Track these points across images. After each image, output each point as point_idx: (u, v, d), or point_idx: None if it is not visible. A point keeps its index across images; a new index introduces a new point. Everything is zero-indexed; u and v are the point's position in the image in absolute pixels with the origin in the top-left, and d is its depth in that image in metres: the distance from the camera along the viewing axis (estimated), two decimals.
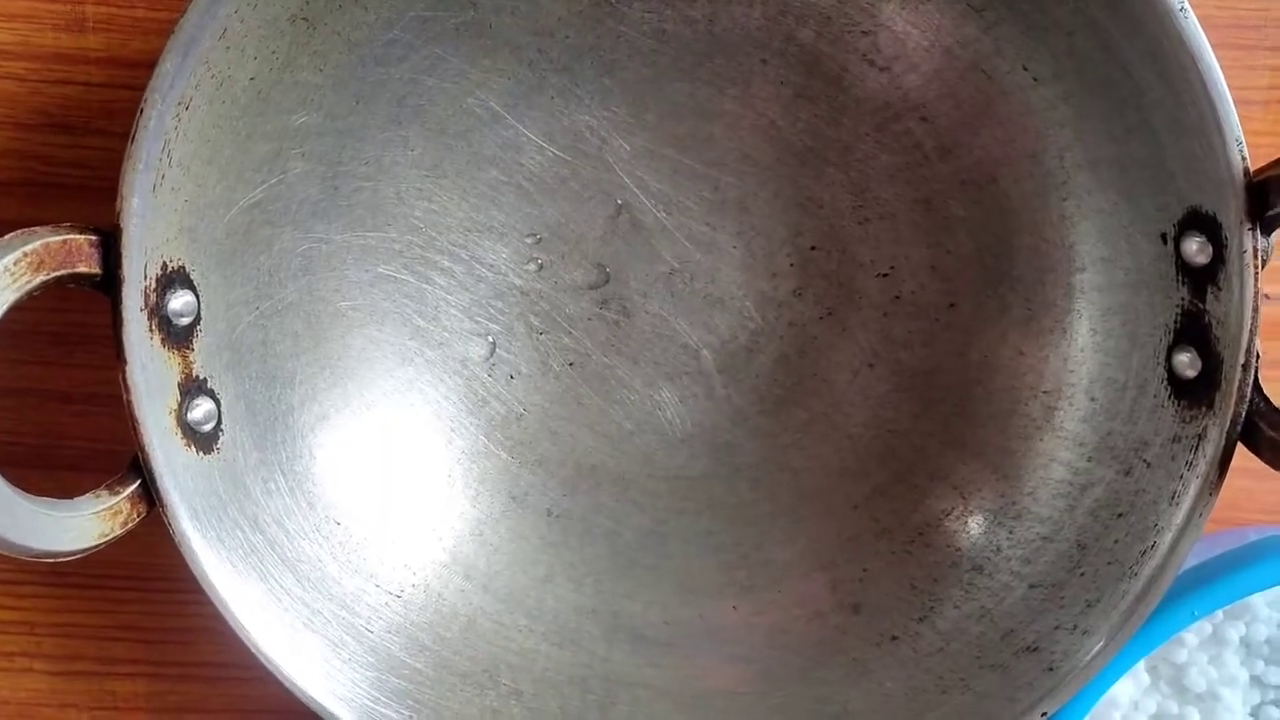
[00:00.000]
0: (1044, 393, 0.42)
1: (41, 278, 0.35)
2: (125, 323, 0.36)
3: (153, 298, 0.36)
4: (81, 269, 0.35)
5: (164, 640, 0.46)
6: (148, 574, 0.45)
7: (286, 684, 0.38)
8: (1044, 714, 0.39)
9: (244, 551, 0.39)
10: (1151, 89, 0.36)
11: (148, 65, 0.35)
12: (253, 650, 0.38)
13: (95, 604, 0.46)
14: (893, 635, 0.42)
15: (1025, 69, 0.39)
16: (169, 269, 0.37)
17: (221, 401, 0.39)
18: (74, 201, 0.43)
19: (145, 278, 0.36)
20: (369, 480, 0.44)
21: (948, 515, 0.44)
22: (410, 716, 0.40)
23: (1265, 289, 0.45)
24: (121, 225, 0.35)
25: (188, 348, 0.38)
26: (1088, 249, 0.40)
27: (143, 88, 0.34)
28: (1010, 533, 0.42)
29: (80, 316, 0.43)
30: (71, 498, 0.36)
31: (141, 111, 0.35)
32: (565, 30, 0.42)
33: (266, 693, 0.38)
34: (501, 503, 0.45)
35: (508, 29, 0.42)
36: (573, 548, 0.46)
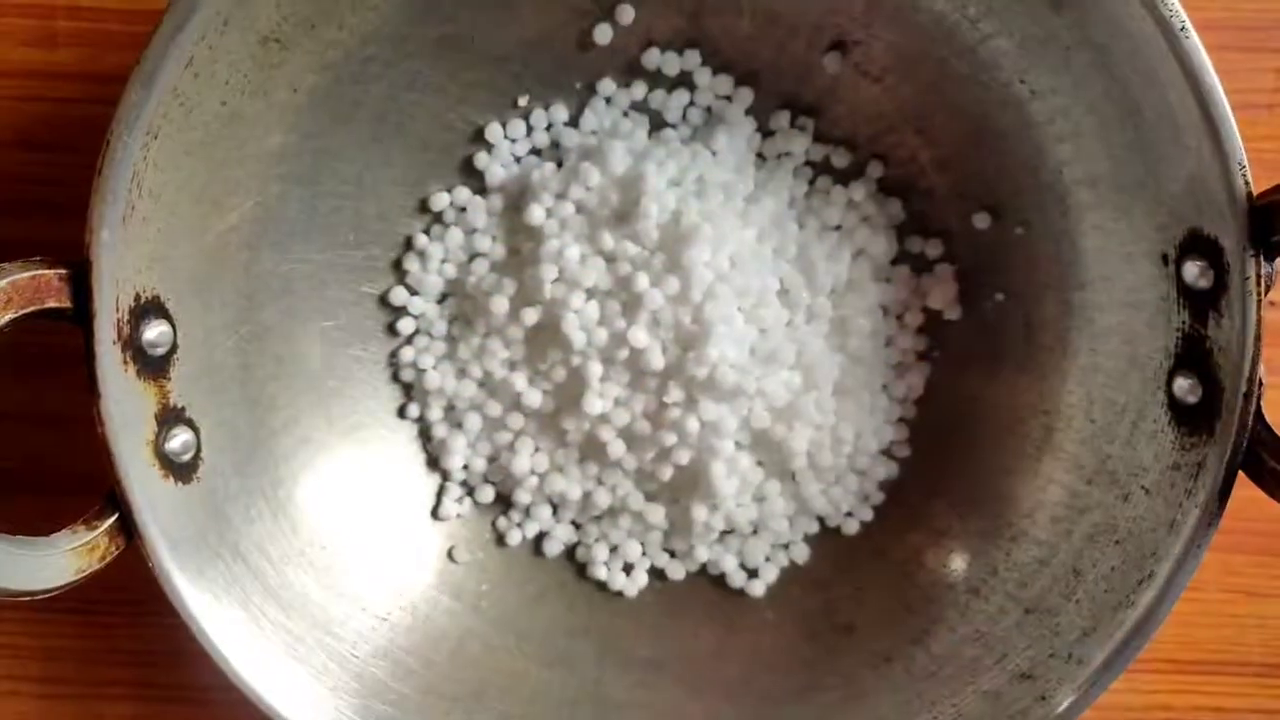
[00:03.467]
0: (1043, 412, 0.41)
1: (10, 315, 0.34)
2: (98, 356, 0.35)
3: (126, 329, 0.36)
4: (51, 304, 0.35)
5: (151, 663, 0.46)
6: (134, 597, 0.45)
7: (269, 713, 0.38)
8: None
9: (225, 581, 0.38)
10: (1150, 108, 0.35)
11: (122, 80, 0.34)
12: (235, 681, 0.37)
13: (82, 628, 0.46)
14: (887, 657, 0.42)
15: (1022, 81, 0.38)
16: (142, 299, 0.36)
17: (200, 430, 0.38)
18: (48, 220, 0.42)
19: (118, 310, 0.35)
20: (355, 503, 0.43)
21: (944, 535, 0.43)
22: None
23: (1271, 296, 0.45)
24: (91, 259, 0.35)
25: (164, 377, 0.37)
26: (1087, 267, 0.39)
27: (117, 103, 0.34)
28: (1007, 555, 0.41)
29: (59, 339, 0.43)
30: (60, 521, 0.35)
31: (108, 144, 0.34)
32: (550, 43, 0.41)
33: (254, 715, 0.38)
34: (492, 519, 0.45)
35: (489, 42, 0.41)
36: (563, 564, 0.45)
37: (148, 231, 0.36)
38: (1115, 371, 0.39)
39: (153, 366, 0.37)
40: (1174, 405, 0.37)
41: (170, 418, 0.37)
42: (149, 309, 0.36)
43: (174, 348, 0.37)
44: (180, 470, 0.38)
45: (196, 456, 0.38)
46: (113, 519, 0.36)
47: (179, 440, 0.38)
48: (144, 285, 0.36)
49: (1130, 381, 0.38)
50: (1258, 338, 0.34)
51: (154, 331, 0.37)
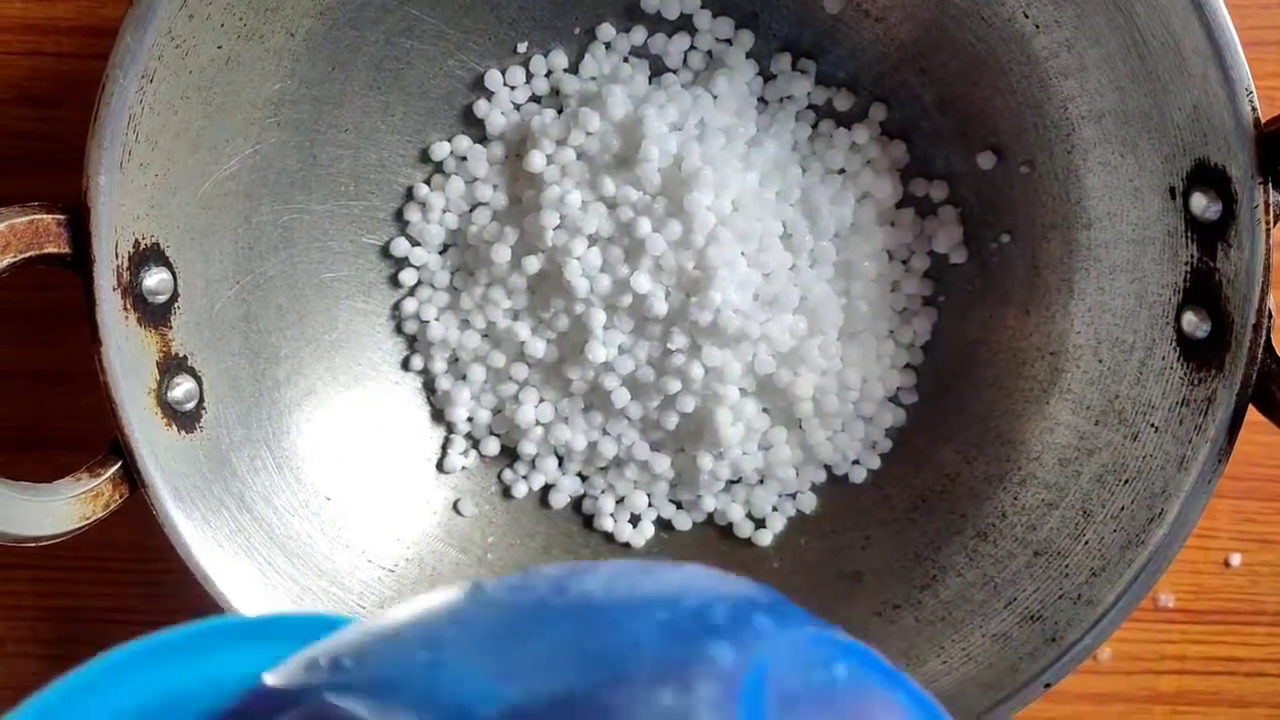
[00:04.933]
0: (1050, 354, 0.41)
1: (8, 259, 0.34)
2: (99, 303, 0.35)
3: (126, 276, 0.36)
4: (50, 249, 0.35)
5: (164, 622, 0.45)
6: (146, 555, 0.45)
7: None
8: (1046, 685, 0.38)
9: (230, 530, 0.38)
10: (1155, 35, 0.34)
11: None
12: None
13: (93, 587, 0.46)
14: (895, 604, 0.42)
15: (1026, 15, 0.38)
16: (142, 246, 0.36)
17: (203, 379, 0.38)
18: (48, 176, 0.42)
19: (117, 256, 0.35)
20: (359, 454, 0.43)
21: (951, 481, 0.43)
22: None
23: None
24: (89, 204, 0.35)
25: (165, 325, 0.37)
26: (1093, 204, 0.39)
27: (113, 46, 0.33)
28: (1015, 498, 0.41)
29: (60, 294, 0.43)
30: (62, 478, 0.35)
31: (103, 87, 0.34)
32: None
33: None
34: (498, 472, 0.45)
35: None
36: (569, 515, 0.45)
37: (145, 177, 0.36)
38: (1123, 310, 0.39)
39: (154, 314, 0.37)
40: (1183, 341, 0.37)
41: (172, 366, 0.37)
42: (149, 256, 0.36)
43: (175, 296, 0.37)
44: (183, 419, 0.38)
45: (200, 406, 0.38)
46: (116, 467, 0.36)
47: (181, 389, 0.38)
48: (143, 232, 0.36)
49: (1138, 319, 0.38)
50: (1267, 268, 0.34)
51: (154, 279, 0.37)
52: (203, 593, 0.37)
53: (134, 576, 0.46)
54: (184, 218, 0.37)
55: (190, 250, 0.38)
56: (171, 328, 0.37)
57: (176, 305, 0.37)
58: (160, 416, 0.37)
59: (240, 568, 0.38)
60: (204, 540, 0.37)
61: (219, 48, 0.36)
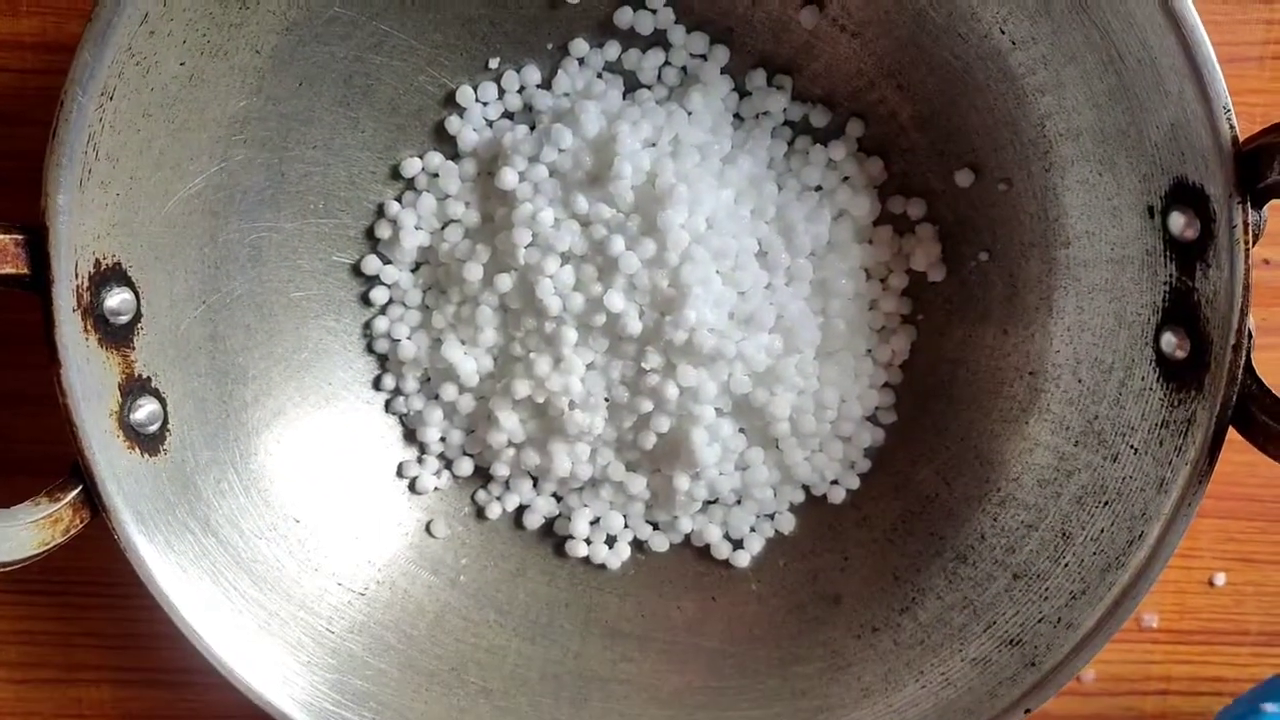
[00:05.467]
0: (1029, 374, 0.40)
1: None
2: (57, 324, 0.35)
3: (86, 296, 0.35)
4: (8, 270, 0.34)
5: (128, 646, 0.45)
6: (110, 579, 0.45)
7: (242, 689, 0.37)
8: (1027, 710, 0.37)
9: (194, 555, 0.38)
10: (1131, 52, 0.34)
11: None
12: (206, 656, 0.37)
13: (58, 610, 0.45)
14: (874, 627, 0.41)
15: (1002, 31, 0.37)
16: (103, 266, 0.36)
17: (167, 400, 0.38)
18: (7, 195, 0.41)
19: (77, 276, 0.35)
20: (329, 475, 0.42)
21: (930, 502, 0.42)
22: (373, 719, 0.39)
23: (1265, 254, 0.44)
24: (48, 224, 0.34)
25: (128, 346, 0.37)
26: (1072, 223, 0.38)
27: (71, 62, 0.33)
28: (994, 520, 0.40)
29: (18, 315, 0.42)
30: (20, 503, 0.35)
31: (61, 104, 0.33)
32: (519, 1, 0.41)
33: (234, 699, 0.37)
34: (471, 493, 0.44)
35: (457, 1, 0.40)
36: (544, 537, 0.44)
37: (106, 196, 0.35)
38: (1102, 329, 0.38)
39: (115, 335, 0.36)
40: (1162, 361, 0.36)
41: (135, 388, 0.37)
42: (110, 276, 0.36)
43: (138, 316, 0.37)
44: (146, 442, 0.37)
45: (164, 428, 0.38)
46: (76, 491, 0.36)
47: (145, 411, 0.37)
48: (104, 251, 0.36)
49: (1118, 339, 0.37)
50: (1246, 288, 0.34)
51: (116, 299, 0.36)
52: (167, 618, 0.37)
53: (100, 601, 0.45)
54: (147, 237, 0.37)
55: (154, 269, 0.37)
56: (134, 348, 0.37)
57: (139, 326, 0.37)
58: (122, 439, 0.36)
59: (204, 593, 0.38)
60: (167, 565, 0.37)
61: (181, 64, 0.36)
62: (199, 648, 0.37)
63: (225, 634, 0.37)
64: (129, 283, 0.36)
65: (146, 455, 0.37)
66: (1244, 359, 0.34)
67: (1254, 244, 0.34)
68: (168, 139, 0.36)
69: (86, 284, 0.35)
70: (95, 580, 0.45)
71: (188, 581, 0.37)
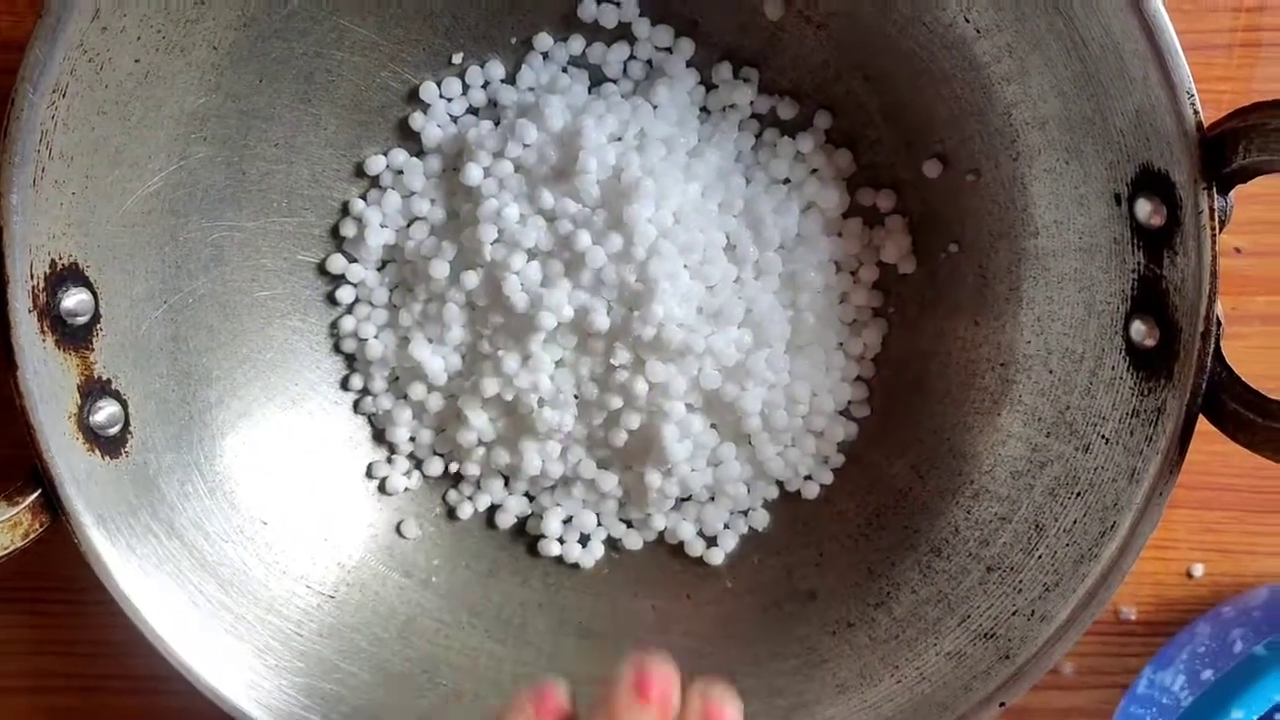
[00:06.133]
0: (1000, 365, 0.40)
1: None
2: (13, 325, 0.34)
3: (42, 297, 0.35)
4: None
5: (98, 654, 0.45)
6: (78, 585, 0.43)
7: (208, 694, 0.37)
8: (1001, 704, 0.37)
9: (158, 558, 0.37)
10: (1095, 38, 0.33)
11: None
12: (170, 660, 0.36)
13: (25, 618, 0.45)
14: (849, 622, 0.41)
15: (967, 19, 0.37)
16: (59, 266, 0.35)
17: (129, 402, 0.37)
18: None
19: (32, 277, 0.34)
20: (297, 476, 0.42)
21: (904, 496, 0.42)
22: None
23: (1236, 243, 0.44)
24: (1, 224, 0.33)
25: (86, 348, 0.36)
26: (1040, 212, 0.38)
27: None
28: (968, 513, 0.40)
29: None
30: None
31: (12, 102, 0.33)
32: None
33: (204, 705, 0.37)
34: (442, 493, 0.44)
35: None
36: (516, 537, 0.44)
37: (62, 195, 0.35)
38: (1072, 319, 0.38)
39: (73, 336, 0.36)
40: (1132, 350, 0.36)
41: (95, 389, 0.36)
42: (67, 276, 0.35)
43: (96, 317, 0.36)
44: (107, 444, 0.37)
45: (125, 430, 0.37)
46: (35, 495, 0.35)
47: (105, 413, 0.37)
48: (60, 251, 0.35)
49: (1087, 329, 0.37)
50: (1214, 274, 0.33)
51: (73, 299, 0.36)
52: (131, 623, 0.36)
53: (66, 608, 0.45)
54: (105, 236, 0.36)
55: (113, 269, 0.37)
56: (93, 350, 0.36)
57: (98, 326, 0.36)
58: (82, 441, 0.36)
59: (169, 597, 0.37)
60: (129, 569, 0.36)
61: (136, 61, 0.35)
62: (163, 653, 0.36)
63: (190, 638, 0.37)
64: (87, 283, 0.36)
65: (108, 458, 0.37)
66: (1213, 346, 0.34)
67: (1220, 230, 0.33)
68: (124, 137, 0.36)
69: (42, 284, 0.34)
70: (63, 587, 0.44)
71: (151, 586, 0.37)
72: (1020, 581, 0.38)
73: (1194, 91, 0.32)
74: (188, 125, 0.38)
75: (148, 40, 0.35)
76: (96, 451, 0.36)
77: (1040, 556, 0.38)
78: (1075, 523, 0.37)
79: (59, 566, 0.43)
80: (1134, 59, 0.33)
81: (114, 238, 0.37)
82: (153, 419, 0.38)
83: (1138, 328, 0.35)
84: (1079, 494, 0.37)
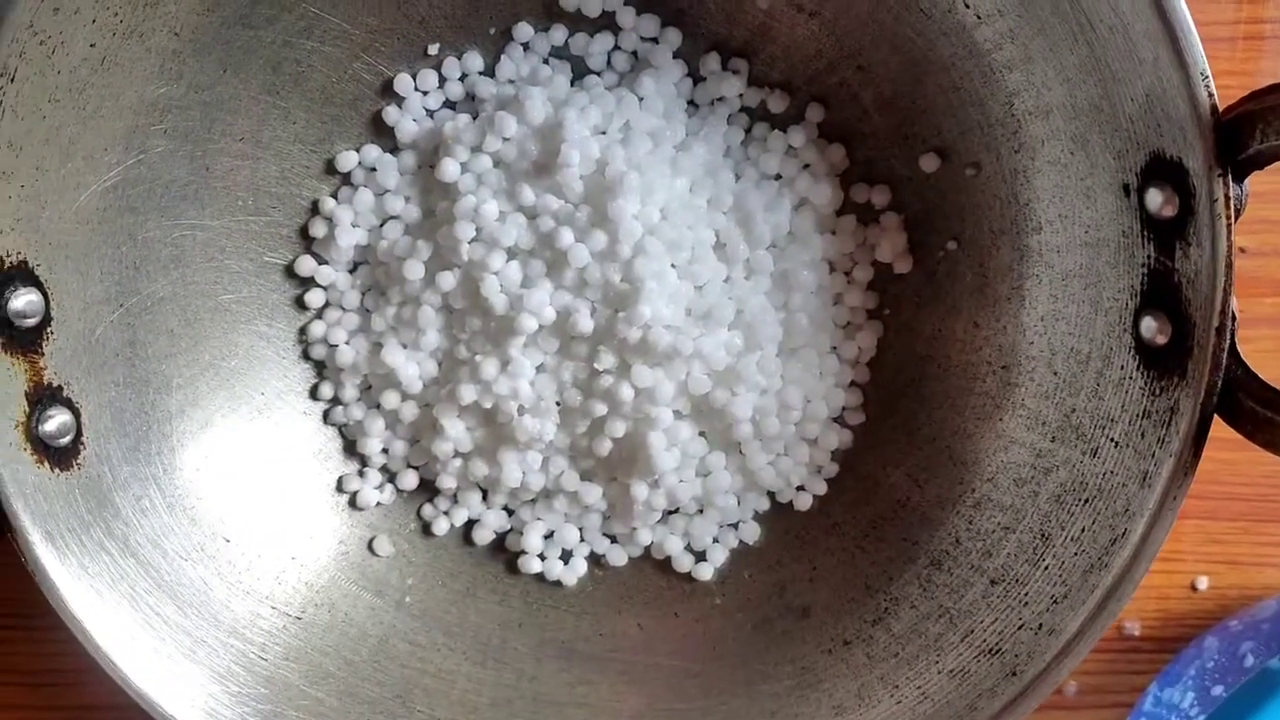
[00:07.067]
0: (1001, 368, 0.39)
1: None
2: None
3: None
4: None
5: (54, 683, 0.43)
6: (32, 610, 0.41)
7: None
8: None
9: (112, 578, 0.36)
10: (1102, 19, 0.32)
11: None
12: (125, 688, 0.35)
13: None
14: (845, 640, 0.40)
15: (966, 5, 0.36)
16: (6, 264, 0.34)
17: (81, 411, 0.36)
18: None
19: None
20: (263, 491, 0.40)
21: (903, 506, 0.41)
22: None
23: (1241, 242, 0.42)
24: None
25: (35, 352, 0.35)
26: (1043, 207, 0.37)
27: None
28: (969, 523, 0.39)
29: None
30: None
31: None
32: None
33: None
34: (416, 507, 0.42)
35: None
36: (495, 553, 0.42)
37: (9, 188, 0.33)
38: (1077, 318, 0.37)
39: (21, 340, 0.34)
40: (1142, 348, 0.35)
41: (45, 397, 0.35)
42: (14, 275, 0.34)
43: (46, 319, 0.35)
44: (57, 456, 0.35)
45: (77, 440, 0.36)
46: None
47: (55, 422, 0.35)
48: (7, 249, 0.34)
49: (1094, 327, 0.36)
50: (1229, 266, 0.32)
51: (21, 300, 0.34)
52: (76, 642, 0.35)
53: (22, 634, 0.43)
54: (57, 234, 0.35)
55: (65, 269, 0.35)
56: (43, 354, 0.35)
57: (49, 330, 0.35)
58: (30, 453, 0.34)
59: (123, 619, 0.36)
60: (81, 589, 0.35)
61: (92, 46, 0.34)
62: (117, 679, 0.35)
63: (146, 664, 0.35)
64: (36, 283, 0.34)
65: (58, 470, 0.35)
66: (1228, 342, 0.33)
67: (1235, 219, 0.32)
68: (78, 127, 0.34)
69: None
70: (15, 612, 0.43)
71: (104, 607, 0.35)
72: (1026, 594, 0.37)
73: (1208, 73, 0.31)
74: (147, 116, 0.36)
75: (104, 23, 0.34)
76: (46, 463, 0.35)
77: (1047, 567, 0.36)
78: (1083, 531, 0.36)
79: (10, 592, 0.42)
80: (1144, 40, 0.32)
81: (67, 235, 0.35)
82: (107, 429, 0.37)
83: (1148, 324, 0.34)
84: (1087, 500, 0.36)
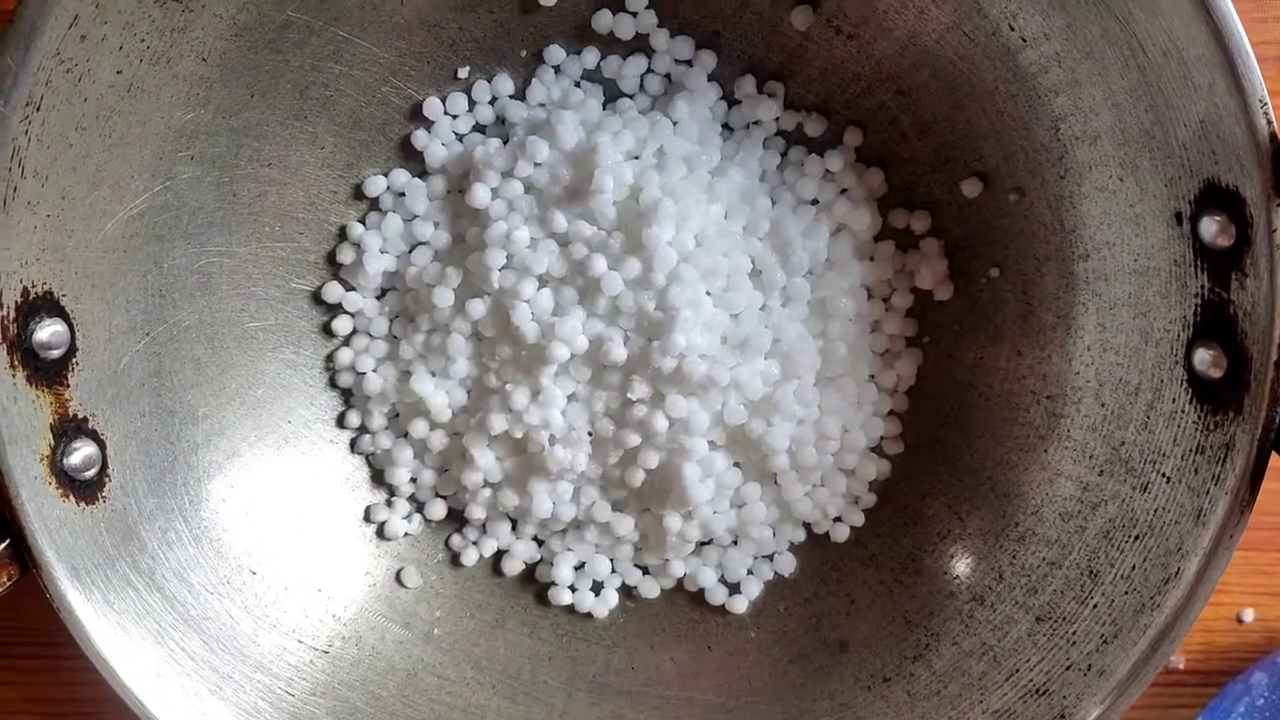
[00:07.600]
0: (1046, 398, 0.38)
1: None
2: None
3: (13, 329, 0.33)
4: None
5: (73, 713, 0.43)
6: (54, 640, 0.41)
7: None
8: None
9: (138, 613, 0.35)
10: (1155, 44, 0.32)
11: None
12: None
13: None
14: (885, 676, 0.39)
15: (1011, 28, 0.35)
16: (32, 295, 0.33)
17: (106, 443, 0.35)
18: None
19: (2, 306, 0.32)
20: (289, 522, 0.40)
21: (943, 539, 0.40)
22: None
23: None
24: None
25: (61, 384, 0.34)
26: (1090, 233, 0.36)
27: None
28: (1013, 558, 0.38)
29: None
30: None
31: None
32: (489, 4, 0.39)
33: None
34: (445, 538, 0.42)
35: (421, 4, 0.38)
36: (524, 584, 0.42)
37: (35, 218, 0.33)
38: (1126, 348, 0.36)
39: (47, 371, 0.34)
40: (1195, 381, 0.34)
41: (70, 430, 0.34)
42: (40, 306, 0.33)
43: (72, 350, 0.34)
44: (82, 489, 0.35)
45: (102, 473, 0.35)
46: (3, 545, 0.33)
47: (80, 455, 0.35)
48: (33, 279, 0.33)
49: (1144, 358, 0.35)
50: None
51: (47, 332, 0.34)
52: (99, 675, 0.34)
53: (43, 664, 0.43)
54: (83, 263, 0.35)
55: (91, 299, 0.35)
56: (68, 386, 0.34)
57: (74, 361, 0.35)
58: (55, 486, 0.34)
59: (148, 654, 0.35)
60: (106, 625, 0.34)
61: (119, 73, 0.33)
62: (141, 716, 0.34)
63: (171, 700, 0.35)
64: (62, 313, 0.34)
65: (83, 504, 0.34)
66: None
67: None
68: (104, 155, 0.34)
69: (13, 315, 0.32)
70: (38, 641, 0.42)
71: (130, 642, 0.34)
72: (1074, 633, 0.36)
73: (1267, 99, 0.30)
74: (174, 143, 0.36)
75: (131, 50, 0.33)
76: (71, 497, 0.34)
77: (1096, 605, 0.36)
78: (1134, 569, 0.35)
79: (32, 621, 0.41)
80: (1199, 65, 0.31)
81: (93, 264, 0.35)
82: (133, 461, 0.36)
83: (1202, 356, 0.34)
84: (1137, 537, 0.35)
